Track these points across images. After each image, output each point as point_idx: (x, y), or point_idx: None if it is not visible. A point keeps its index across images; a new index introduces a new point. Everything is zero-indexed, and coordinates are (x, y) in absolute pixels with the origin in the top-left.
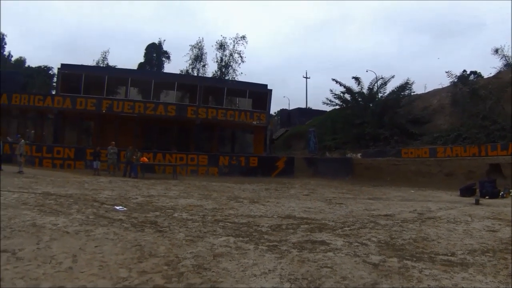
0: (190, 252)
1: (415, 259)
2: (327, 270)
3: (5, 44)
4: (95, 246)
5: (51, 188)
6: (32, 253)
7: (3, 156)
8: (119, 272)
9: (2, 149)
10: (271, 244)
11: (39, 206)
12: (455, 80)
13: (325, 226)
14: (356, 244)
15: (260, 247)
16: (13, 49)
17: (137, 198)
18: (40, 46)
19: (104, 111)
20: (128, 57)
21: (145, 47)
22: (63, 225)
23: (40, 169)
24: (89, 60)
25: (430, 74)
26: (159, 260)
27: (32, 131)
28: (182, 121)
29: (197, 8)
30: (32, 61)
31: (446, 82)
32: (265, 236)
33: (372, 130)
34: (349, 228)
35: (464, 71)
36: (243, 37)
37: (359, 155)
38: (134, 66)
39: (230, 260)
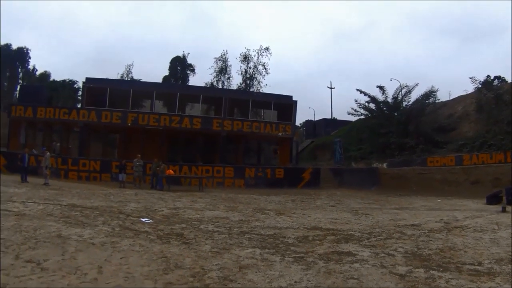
0: (216, 264)
1: (441, 269)
2: (354, 282)
3: (30, 58)
4: (121, 258)
5: (76, 200)
6: (57, 264)
7: (29, 168)
8: (144, 283)
9: (28, 161)
10: (297, 255)
11: (64, 217)
12: (479, 86)
13: (352, 237)
14: (383, 254)
15: (286, 258)
16: (39, 63)
17: (163, 210)
18: (65, 60)
19: (129, 124)
20: (152, 70)
21: (169, 60)
22: (88, 236)
23: (66, 181)
24: (113, 73)
25: (455, 80)
26: (185, 272)
27: (58, 144)
28: (207, 133)
29: (221, 20)
30: (57, 75)
31: (470, 88)
32: (291, 248)
33: (398, 139)
34: (375, 239)
35: (488, 76)
36: (267, 49)
37: (384, 164)
38: (158, 79)
39: (256, 272)
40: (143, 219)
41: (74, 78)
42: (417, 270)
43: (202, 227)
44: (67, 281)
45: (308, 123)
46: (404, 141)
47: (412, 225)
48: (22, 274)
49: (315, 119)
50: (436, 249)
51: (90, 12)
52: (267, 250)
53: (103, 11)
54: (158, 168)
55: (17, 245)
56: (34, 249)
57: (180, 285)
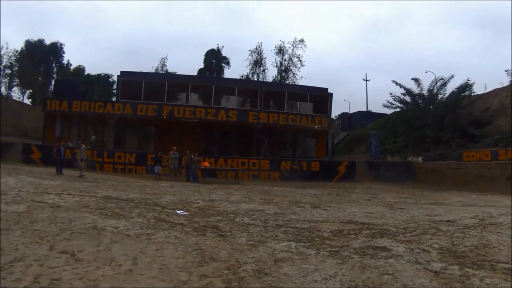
0: (251, 257)
1: (476, 266)
2: (389, 278)
3: (64, 53)
4: (156, 250)
5: (112, 192)
6: (91, 255)
7: (64, 161)
8: (179, 275)
9: (63, 154)
10: (332, 249)
11: (100, 209)
12: None
13: (387, 232)
14: (418, 250)
15: (321, 252)
16: (74, 58)
17: (198, 203)
18: (99, 55)
19: (165, 117)
20: (186, 63)
21: (203, 53)
22: (124, 228)
23: (101, 173)
24: (146, 67)
25: (490, 72)
26: (220, 264)
27: (93, 137)
28: (243, 126)
29: (255, 13)
30: (91, 70)
31: (506, 81)
32: (327, 242)
33: (433, 133)
34: (410, 234)
35: None
36: (302, 41)
37: (420, 158)
38: (193, 72)
39: (291, 265)
40: (179, 211)
41: (109, 72)
42: (451, 267)
43: (237, 219)
44: (102, 272)
45: (343, 115)
46: (439, 134)
47: (447, 221)
48: (56, 265)
49: (351, 112)
50: (470, 246)
51: (122, 7)
52: (302, 244)
53: (137, 6)
54: (191, 160)
55: (52, 236)
56: (69, 240)
57: (215, 277)
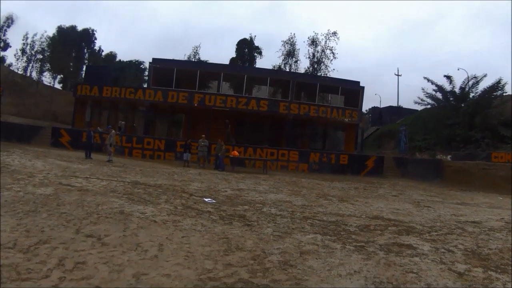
0: (277, 248)
1: (499, 270)
2: (413, 276)
3: (95, 39)
4: (182, 237)
5: (140, 178)
6: (117, 240)
7: (94, 145)
8: (204, 263)
9: (93, 138)
10: (358, 244)
11: (127, 194)
12: None
13: (413, 230)
14: (443, 250)
15: (347, 247)
16: (106, 45)
17: (226, 191)
18: (131, 42)
19: (196, 105)
20: (218, 52)
21: (235, 42)
22: (151, 214)
23: (130, 159)
24: (179, 56)
25: None
26: (246, 254)
27: (123, 122)
28: (274, 116)
29: (290, 5)
30: (123, 56)
31: None
32: (353, 236)
33: (463, 132)
34: (436, 233)
35: None
36: (335, 33)
37: (448, 157)
38: (225, 61)
39: (316, 258)
40: (206, 199)
41: (140, 59)
42: (475, 269)
43: (265, 209)
44: (127, 257)
45: (374, 110)
46: (469, 133)
47: (473, 222)
48: (81, 248)
49: (381, 107)
50: (495, 249)
51: None
52: (328, 237)
53: None
54: (221, 149)
55: (79, 219)
56: (95, 224)
57: (240, 267)
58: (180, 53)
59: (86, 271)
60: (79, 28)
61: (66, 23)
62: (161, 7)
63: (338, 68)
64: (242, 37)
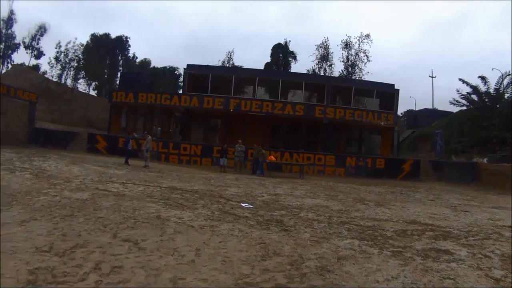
0: (314, 253)
1: None
2: (450, 282)
3: (129, 46)
4: (220, 242)
5: (176, 183)
6: (154, 244)
7: (132, 151)
8: (241, 268)
9: (129, 144)
10: (395, 249)
11: (164, 199)
12: None
13: (450, 234)
14: (480, 256)
15: (384, 252)
16: (140, 51)
17: (263, 196)
18: (164, 49)
19: (232, 110)
20: (252, 58)
21: (269, 48)
22: (188, 219)
23: (166, 164)
24: (212, 61)
25: None
26: (283, 259)
27: (159, 128)
28: (309, 120)
29: (321, 9)
30: (157, 63)
31: None
32: (390, 241)
33: (499, 133)
34: (473, 238)
35: None
36: (368, 36)
37: (485, 160)
38: (259, 66)
39: (353, 264)
40: (243, 204)
41: (174, 65)
42: None
43: (302, 214)
44: (164, 261)
45: (409, 112)
46: (506, 135)
47: (510, 226)
48: (118, 252)
49: (416, 109)
50: None
51: (189, 4)
52: (365, 242)
53: (203, 2)
54: (259, 154)
55: (116, 224)
56: (132, 229)
57: (277, 272)
58: (212, 58)
59: (123, 275)
60: (113, 35)
61: (99, 31)
62: (190, 13)
63: (372, 70)
64: (273, 42)
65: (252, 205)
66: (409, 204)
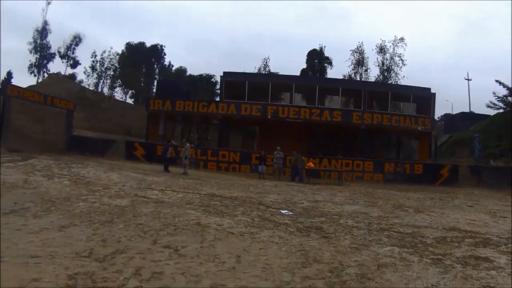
0: (355, 260)
1: None
2: None
3: (165, 55)
4: (260, 249)
5: (216, 190)
6: (195, 251)
7: (171, 159)
8: (282, 275)
9: (168, 152)
10: (435, 257)
11: (203, 206)
12: None
13: (489, 241)
14: None
15: (424, 259)
16: (175, 60)
17: (302, 203)
18: (199, 56)
19: (269, 117)
20: (286, 63)
21: (302, 53)
22: (228, 226)
23: (205, 171)
24: (247, 67)
25: None
26: (323, 267)
27: (197, 136)
28: (347, 126)
29: (352, 13)
30: (193, 71)
31: None
32: (430, 248)
33: None
34: None
35: None
36: (402, 39)
37: None
38: (294, 72)
39: (393, 272)
40: (283, 211)
41: (210, 73)
42: None
43: (341, 221)
44: (205, 268)
45: (446, 116)
46: None
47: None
48: (159, 258)
49: (453, 113)
50: None
51: (222, 10)
52: (405, 249)
53: (235, 8)
54: (297, 161)
55: (155, 230)
56: (172, 236)
57: (318, 279)
58: (244, 64)
59: (163, 281)
60: (148, 44)
61: (134, 40)
62: (225, 21)
63: (407, 74)
64: (309, 48)
65: (291, 212)
66: (448, 210)
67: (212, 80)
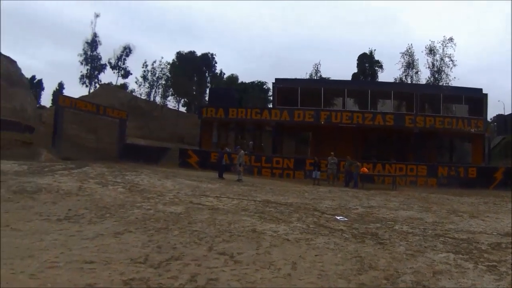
0: (410, 267)
1: None
2: None
3: (216, 63)
4: (315, 255)
5: (270, 197)
6: (250, 258)
7: (226, 166)
8: (338, 282)
9: (223, 159)
10: (490, 264)
11: (259, 213)
12: None
13: None
14: None
15: (479, 266)
16: (226, 68)
17: (357, 209)
18: (251, 64)
19: (322, 123)
20: (336, 68)
21: (352, 57)
22: (283, 232)
23: (259, 178)
24: (299, 72)
25: None
26: (379, 273)
27: (251, 142)
28: (400, 130)
29: (399, 14)
30: (244, 78)
31: None
32: (485, 255)
33: None
34: None
35: None
36: (451, 39)
37: None
38: (345, 77)
39: (449, 279)
40: (338, 217)
41: (262, 80)
42: None
43: (396, 227)
44: (260, 275)
45: (499, 117)
46: None
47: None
48: (214, 265)
49: (506, 114)
50: None
51: (265, 18)
52: (460, 256)
53: (282, 14)
54: (351, 166)
55: (211, 237)
56: (228, 242)
57: (374, 287)
58: (298, 71)
59: (218, 287)
60: (198, 53)
61: (184, 49)
62: (273, 28)
63: (457, 75)
64: (358, 52)
65: (346, 218)
66: (502, 215)
67: (264, 87)
